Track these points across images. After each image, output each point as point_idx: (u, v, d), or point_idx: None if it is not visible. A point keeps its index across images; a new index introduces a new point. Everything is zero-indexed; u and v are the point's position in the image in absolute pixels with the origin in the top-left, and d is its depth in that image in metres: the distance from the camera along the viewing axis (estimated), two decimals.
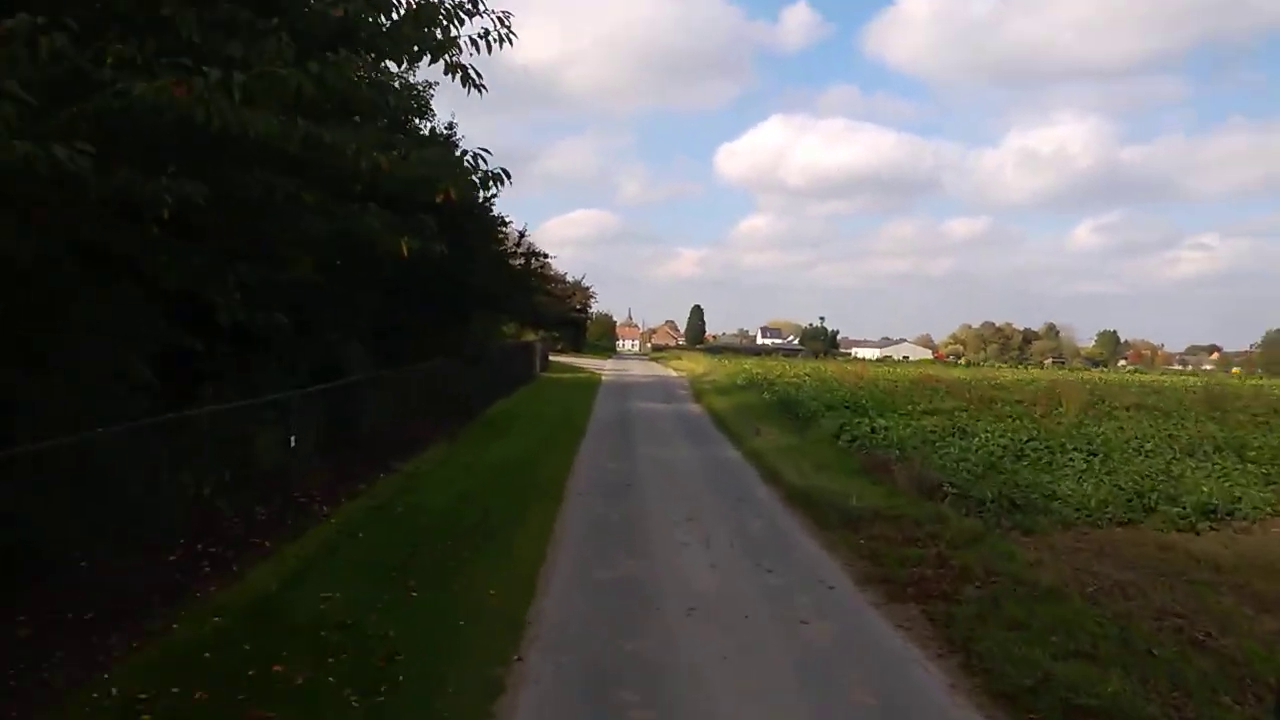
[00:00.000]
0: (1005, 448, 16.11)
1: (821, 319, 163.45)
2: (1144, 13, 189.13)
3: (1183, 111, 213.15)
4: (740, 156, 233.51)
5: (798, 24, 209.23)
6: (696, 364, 53.67)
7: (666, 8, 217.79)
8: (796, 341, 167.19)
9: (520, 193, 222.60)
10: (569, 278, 71.24)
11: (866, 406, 22.43)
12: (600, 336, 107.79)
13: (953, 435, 17.40)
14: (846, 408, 22.24)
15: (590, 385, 35.68)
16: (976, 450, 15.70)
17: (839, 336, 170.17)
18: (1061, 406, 21.86)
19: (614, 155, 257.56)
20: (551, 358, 54.66)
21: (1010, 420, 20.05)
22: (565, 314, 71.00)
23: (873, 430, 18.11)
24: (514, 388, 30.23)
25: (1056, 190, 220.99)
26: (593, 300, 79.42)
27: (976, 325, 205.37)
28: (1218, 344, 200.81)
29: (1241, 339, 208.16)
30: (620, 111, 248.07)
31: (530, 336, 44.26)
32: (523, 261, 27.17)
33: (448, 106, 64.93)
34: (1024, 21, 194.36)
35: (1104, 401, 23.58)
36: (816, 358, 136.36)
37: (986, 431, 17.92)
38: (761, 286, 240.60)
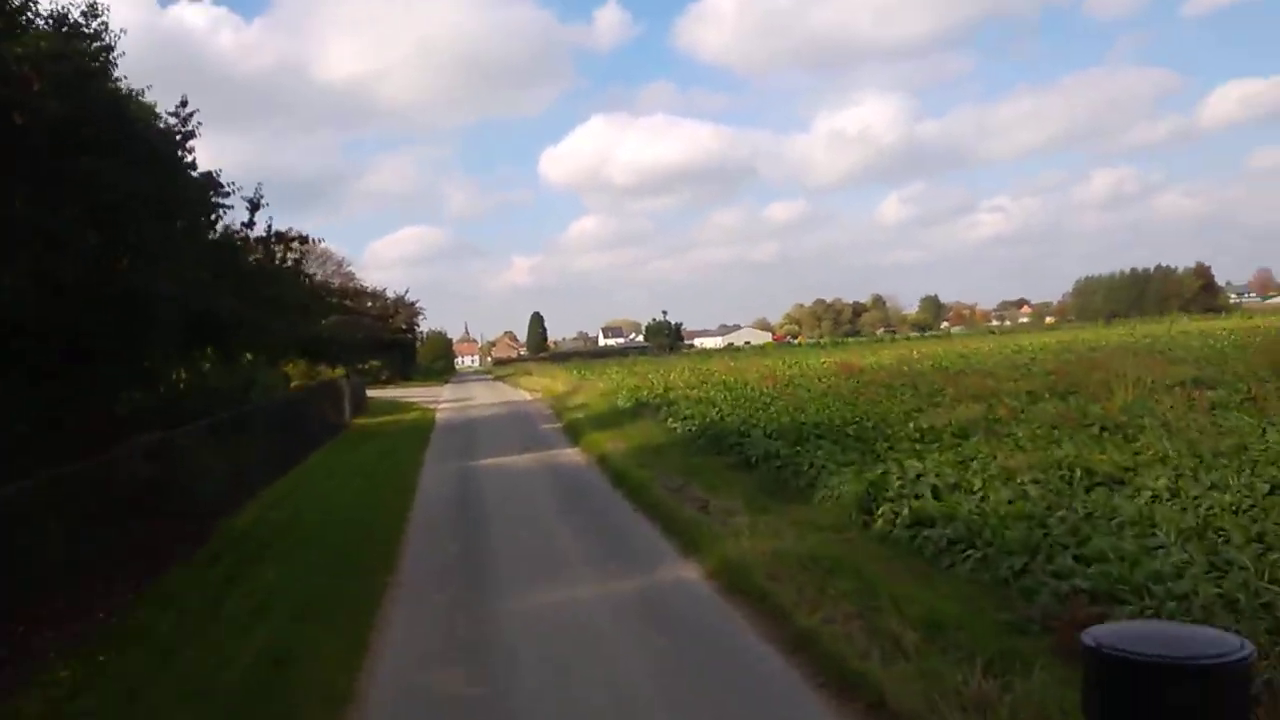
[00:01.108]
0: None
1: (664, 313, 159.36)
2: None
3: (972, 84, 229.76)
4: (565, 160, 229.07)
5: (609, 24, 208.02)
6: (552, 379, 44.51)
7: (478, 15, 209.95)
8: (640, 338, 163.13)
9: (343, 215, 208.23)
10: (389, 293, 60.44)
11: (847, 433, 14.42)
12: (435, 358, 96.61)
13: (1082, 486, 9.42)
14: (818, 438, 14.15)
15: (417, 433, 26.02)
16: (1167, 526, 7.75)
17: (682, 328, 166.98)
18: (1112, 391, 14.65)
19: (438, 168, 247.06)
20: (372, 394, 44.17)
21: (1086, 431, 12.48)
22: (387, 336, 60.17)
23: (920, 485, 10.01)
24: (303, 455, 20.34)
25: (864, 167, 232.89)
26: (420, 317, 68.61)
27: (808, 304, 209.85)
28: (1025, 298, 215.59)
29: (1043, 291, 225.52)
30: (441, 123, 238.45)
31: (337, 372, 33.97)
32: (261, 255, 17.15)
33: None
34: (824, 8, 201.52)
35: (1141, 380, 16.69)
36: (664, 352, 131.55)
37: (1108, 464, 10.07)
38: (597, 287, 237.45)
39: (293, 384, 25.74)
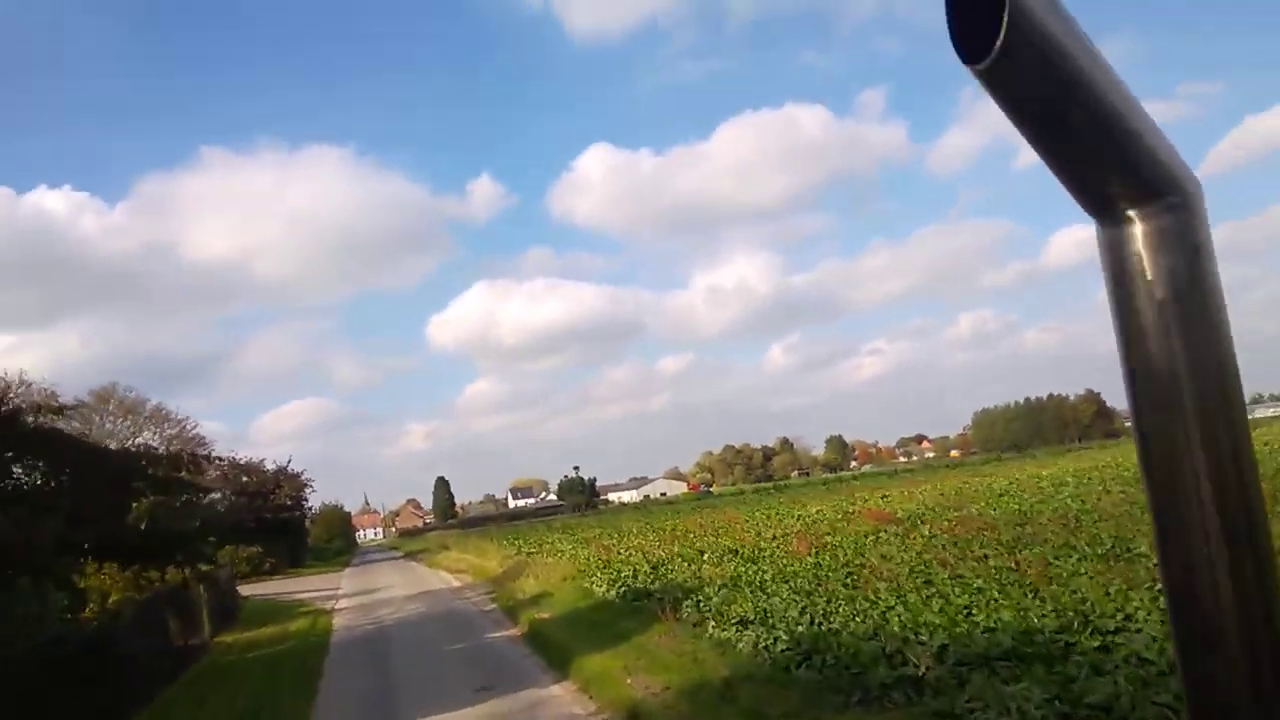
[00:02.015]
0: None
1: (576, 469, 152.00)
2: (782, 158, 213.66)
3: (833, 241, 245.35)
4: (451, 325, 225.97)
5: (484, 196, 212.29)
6: (479, 555, 35.97)
7: (350, 191, 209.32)
8: (552, 497, 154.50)
9: (223, 394, 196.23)
10: (266, 465, 51.20)
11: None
12: (331, 536, 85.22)
13: None
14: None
15: (304, 661, 17.56)
16: None
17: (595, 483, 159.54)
18: None
19: (320, 341, 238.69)
20: (251, 590, 34.77)
21: None
22: (269, 516, 50.51)
23: None
24: None
25: (745, 319, 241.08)
26: (308, 490, 58.84)
27: (717, 451, 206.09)
28: (921, 433, 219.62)
29: (933, 425, 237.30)
30: (319, 297, 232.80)
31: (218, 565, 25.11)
32: None
33: None
34: (686, 175, 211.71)
35: None
36: (580, 511, 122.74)
37: None
38: (497, 449, 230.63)
39: (111, 599, 17.16)
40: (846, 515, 25.34)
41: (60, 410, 14.13)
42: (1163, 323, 1.05)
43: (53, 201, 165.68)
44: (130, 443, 34.61)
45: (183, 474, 17.92)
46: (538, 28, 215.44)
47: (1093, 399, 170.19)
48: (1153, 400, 1.07)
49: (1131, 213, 1.08)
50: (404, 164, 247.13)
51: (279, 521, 52.00)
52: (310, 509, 65.65)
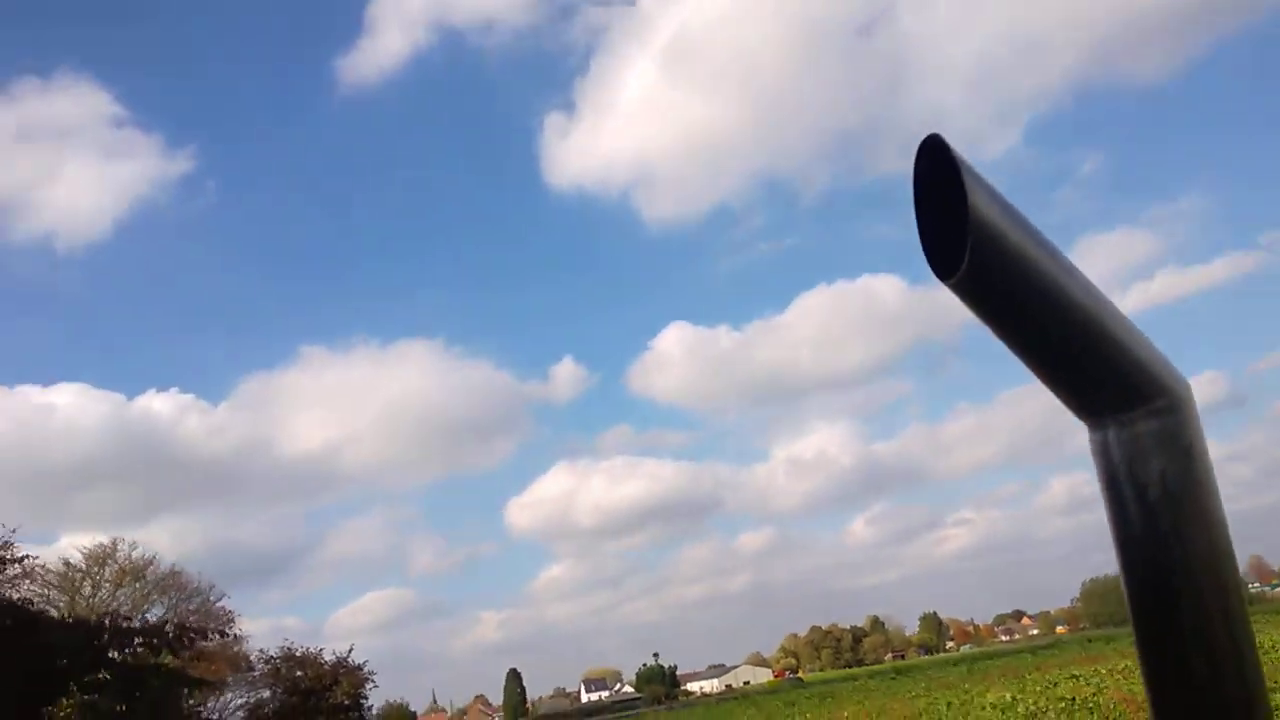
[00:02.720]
0: None
1: (655, 656, 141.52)
2: (861, 327, 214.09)
3: (915, 405, 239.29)
4: (530, 508, 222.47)
5: (566, 378, 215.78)
6: None
7: (440, 382, 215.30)
8: (627, 688, 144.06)
9: (304, 586, 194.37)
10: (324, 656, 45.22)
11: None
12: None
13: None
14: None
15: None
16: None
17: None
18: None
19: (401, 528, 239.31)
20: None
21: None
22: (326, 713, 44.09)
23: None
24: None
25: (826, 491, 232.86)
26: (368, 684, 52.05)
27: (803, 633, 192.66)
28: (1019, 608, 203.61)
29: (1029, 600, 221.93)
30: (404, 484, 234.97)
31: None
32: None
33: None
34: (765, 349, 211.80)
35: None
36: (660, 703, 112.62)
37: None
38: (568, 636, 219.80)
39: None
40: (1079, 701, 18.42)
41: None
42: (1154, 525, 1.07)
43: (160, 404, 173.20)
44: (138, 616, 28.75)
45: (172, 656, 12.68)
46: (615, 217, 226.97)
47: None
48: (1148, 604, 1.08)
49: (1120, 417, 1.11)
50: (490, 351, 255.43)
51: None
52: (370, 708, 58.48)
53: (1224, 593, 1.05)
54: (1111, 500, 1.10)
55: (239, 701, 42.99)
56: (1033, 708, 20.83)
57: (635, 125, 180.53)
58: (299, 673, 43.96)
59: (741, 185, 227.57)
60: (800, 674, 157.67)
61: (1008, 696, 24.30)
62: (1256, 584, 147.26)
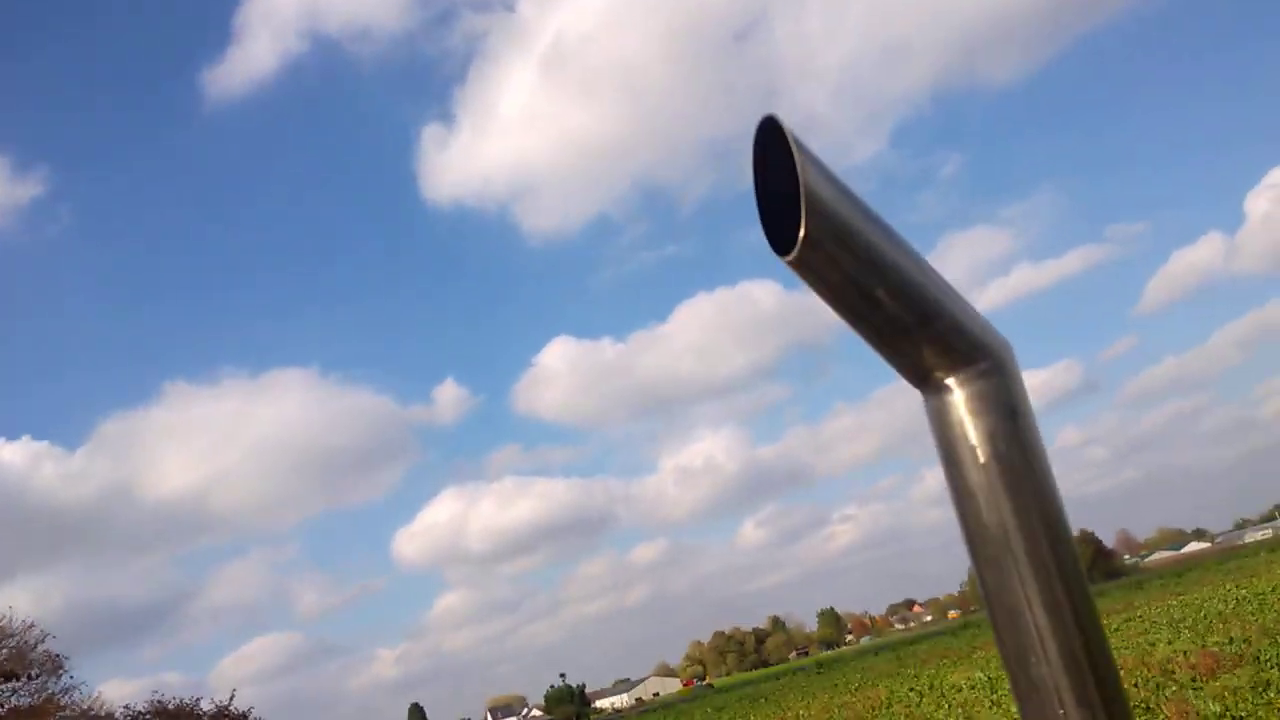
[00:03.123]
0: None
1: (562, 676, 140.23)
2: (741, 333, 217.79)
3: (796, 407, 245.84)
4: (419, 537, 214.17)
5: (450, 400, 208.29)
6: None
7: (317, 411, 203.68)
8: (536, 712, 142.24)
9: (183, 638, 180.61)
10: (201, 706, 42.26)
11: None
12: None
13: None
14: None
15: None
16: None
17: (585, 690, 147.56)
18: None
19: (285, 569, 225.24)
20: None
21: None
22: None
23: None
24: None
25: (716, 498, 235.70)
26: None
27: (706, 639, 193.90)
28: (909, 597, 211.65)
29: (917, 589, 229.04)
30: (284, 521, 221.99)
31: None
32: None
33: None
34: (649, 359, 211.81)
35: None
36: None
37: None
38: (469, 664, 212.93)
39: None
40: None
41: None
42: (988, 483, 1.10)
43: (10, 453, 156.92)
44: None
45: None
46: (495, 231, 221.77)
47: (1088, 539, 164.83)
48: (989, 559, 1.11)
49: (948, 381, 1.13)
50: (368, 376, 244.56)
51: None
52: None
53: (1057, 544, 1.09)
54: (947, 462, 1.13)
55: None
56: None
57: (514, 135, 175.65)
58: None
59: (622, 194, 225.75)
60: (709, 680, 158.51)
61: (980, 676, 24.76)
62: (1128, 556, 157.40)
